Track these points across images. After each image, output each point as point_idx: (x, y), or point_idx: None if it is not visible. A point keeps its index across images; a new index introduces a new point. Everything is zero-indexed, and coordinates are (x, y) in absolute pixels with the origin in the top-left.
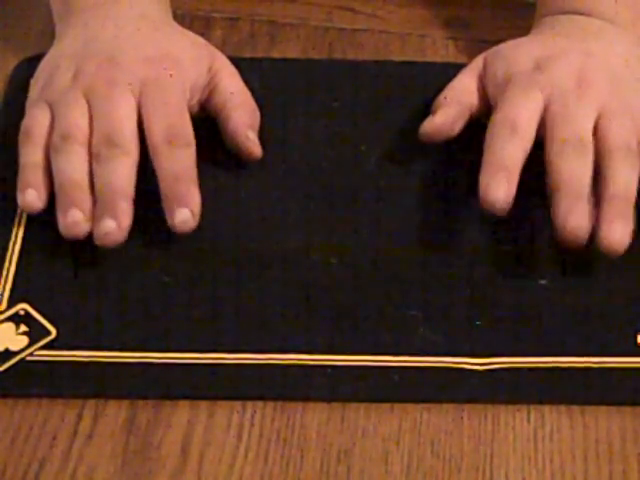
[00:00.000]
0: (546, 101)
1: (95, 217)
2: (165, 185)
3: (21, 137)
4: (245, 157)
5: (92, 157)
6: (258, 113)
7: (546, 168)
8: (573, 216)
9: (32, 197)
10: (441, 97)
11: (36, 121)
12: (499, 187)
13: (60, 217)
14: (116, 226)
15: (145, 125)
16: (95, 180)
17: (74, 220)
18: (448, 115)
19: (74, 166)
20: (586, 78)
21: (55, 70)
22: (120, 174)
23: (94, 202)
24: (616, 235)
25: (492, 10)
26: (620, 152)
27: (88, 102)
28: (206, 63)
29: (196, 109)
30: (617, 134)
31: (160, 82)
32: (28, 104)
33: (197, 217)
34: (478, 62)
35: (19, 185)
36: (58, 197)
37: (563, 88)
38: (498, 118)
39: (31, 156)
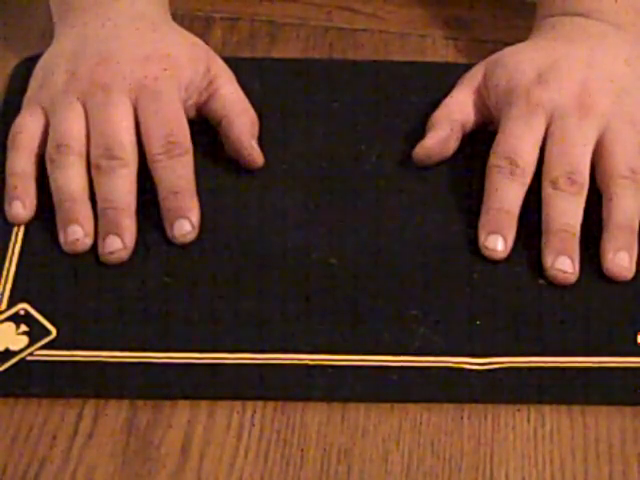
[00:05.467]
0: (547, 122)
1: (100, 234)
2: (164, 198)
3: (9, 142)
4: (246, 165)
5: (90, 167)
6: (257, 121)
7: (542, 204)
8: (560, 259)
9: (17, 209)
10: (433, 117)
11: (25, 127)
12: (497, 239)
13: (61, 233)
14: (121, 245)
15: (143, 132)
16: (97, 193)
17: (74, 237)
18: (439, 137)
19: (71, 179)
20: (588, 93)
21: (51, 70)
22: (122, 188)
23: (93, 212)
24: (623, 263)
25: (492, 10)
26: (624, 180)
27: (84, 107)
28: (203, 64)
29: (193, 111)
30: (620, 158)
31: (156, 84)
32: (23, 104)
33: (197, 228)
34: (477, 73)
35: (5, 196)
36: (57, 212)
37: (565, 108)
38: (499, 152)
39: (17, 165)
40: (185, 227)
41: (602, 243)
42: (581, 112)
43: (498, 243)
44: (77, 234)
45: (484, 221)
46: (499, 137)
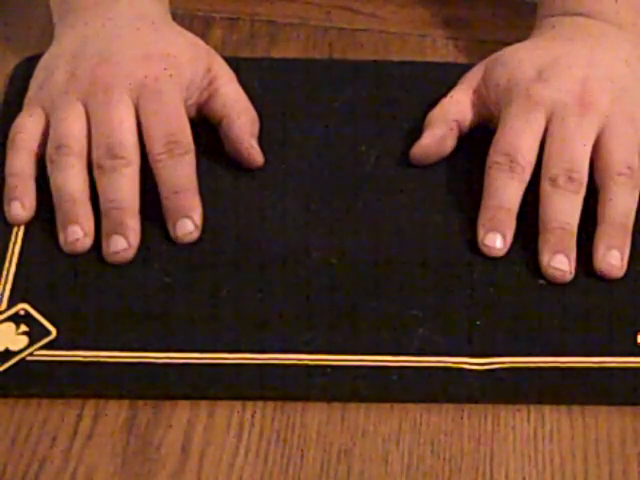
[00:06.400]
0: (547, 119)
1: (104, 234)
2: (166, 198)
3: (9, 143)
4: (246, 164)
5: (93, 167)
6: (258, 120)
7: (539, 201)
8: (556, 257)
9: (16, 210)
10: (429, 116)
11: (25, 127)
12: (496, 236)
13: (60, 233)
14: (126, 244)
15: (144, 132)
16: (100, 194)
17: (74, 237)
18: (435, 136)
19: (71, 180)
20: (588, 91)
21: (52, 71)
22: (125, 188)
23: (94, 212)
24: (613, 261)
25: (492, 10)
26: (620, 176)
27: (85, 107)
28: (204, 64)
29: (194, 111)
30: (618, 155)
31: (157, 84)
32: (24, 104)
33: (199, 227)
34: (477, 72)
35: (5, 196)
36: (57, 212)
37: (565, 105)
38: (499, 148)
39: (17, 165)
40: (188, 226)
41: (595, 239)
42: (581, 110)
43: (497, 241)
44: (77, 234)
45: (483, 218)
46: (499, 134)
